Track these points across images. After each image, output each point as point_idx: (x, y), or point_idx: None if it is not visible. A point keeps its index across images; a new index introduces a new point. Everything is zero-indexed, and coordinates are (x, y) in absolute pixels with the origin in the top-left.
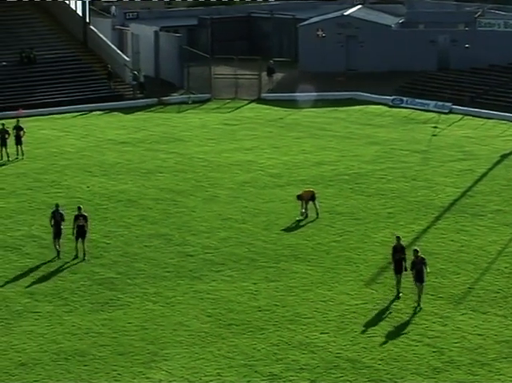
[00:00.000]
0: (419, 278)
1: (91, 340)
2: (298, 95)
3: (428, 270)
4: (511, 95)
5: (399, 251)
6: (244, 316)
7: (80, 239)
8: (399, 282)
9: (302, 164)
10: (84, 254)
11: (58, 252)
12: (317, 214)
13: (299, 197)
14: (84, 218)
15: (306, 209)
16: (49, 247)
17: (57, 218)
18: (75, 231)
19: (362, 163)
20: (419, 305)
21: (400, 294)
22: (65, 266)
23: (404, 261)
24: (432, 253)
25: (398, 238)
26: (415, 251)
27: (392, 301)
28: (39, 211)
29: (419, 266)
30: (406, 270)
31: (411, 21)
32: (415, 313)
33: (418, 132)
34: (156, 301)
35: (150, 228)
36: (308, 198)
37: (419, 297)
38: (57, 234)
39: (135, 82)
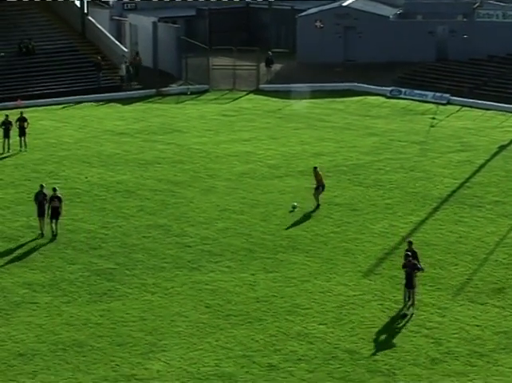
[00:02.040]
0: (408, 283)
1: (89, 331)
2: (296, 86)
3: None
4: (510, 86)
5: (411, 256)
6: (242, 307)
7: (53, 220)
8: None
9: (300, 155)
10: (56, 235)
11: (41, 232)
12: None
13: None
14: (59, 199)
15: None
16: (47, 238)
17: (39, 198)
18: (49, 212)
19: (360, 155)
20: (408, 312)
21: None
22: (64, 256)
23: (417, 264)
24: (430, 244)
25: (410, 243)
26: (406, 255)
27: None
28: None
29: (408, 269)
30: (423, 270)
31: (409, 12)
32: (407, 320)
33: (416, 123)
34: (155, 291)
35: (148, 219)
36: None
37: (407, 302)
38: (41, 213)
39: (126, 74)
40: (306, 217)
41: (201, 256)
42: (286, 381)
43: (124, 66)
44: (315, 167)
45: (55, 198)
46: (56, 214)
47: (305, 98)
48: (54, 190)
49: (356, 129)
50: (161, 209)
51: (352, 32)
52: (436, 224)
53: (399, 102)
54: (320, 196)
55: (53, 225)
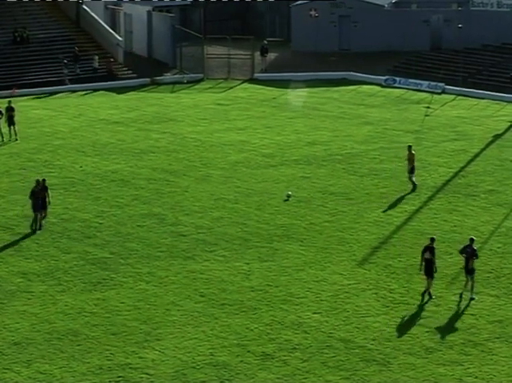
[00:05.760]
0: (426, 270)
1: (84, 319)
2: (291, 75)
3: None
4: (504, 75)
5: (428, 251)
6: (237, 296)
7: (43, 211)
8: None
9: (295, 144)
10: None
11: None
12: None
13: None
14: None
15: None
16: (42, 227)
17: (37, 193)
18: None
19: (355, 144)
20: (430, 296)
21: (433, 297)
22: (58, 245)
23: (433, 263)
24: (425, 233)
25: (432, 239)
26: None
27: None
28: None
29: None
30: (436, 271)
31: (403, 1)
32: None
33: (411, 113)
34: (149, 281)
35: (143, 208)
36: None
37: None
38: (40, 207)
39: (66, 71)
40: (300, 206)
41: (196, 245)
42: (281, 369)
43: (96, 58)
44: (409, 146)
45: (44, 188)
46: (45, 204)
47: (300, 87)
48: (44, 181)
49: (350, 118)
50: (156, 198)
51: (347, 21)
52: (431, 213)
53: (394, 91)
54: (414, 178)
55: (42, 216)
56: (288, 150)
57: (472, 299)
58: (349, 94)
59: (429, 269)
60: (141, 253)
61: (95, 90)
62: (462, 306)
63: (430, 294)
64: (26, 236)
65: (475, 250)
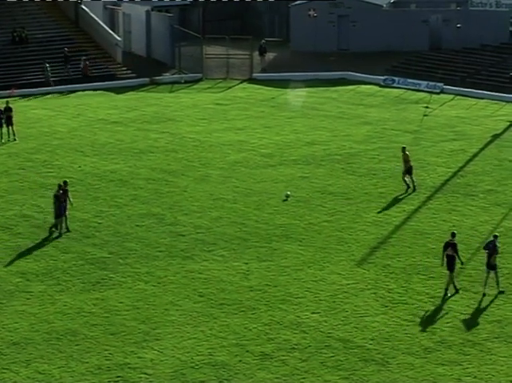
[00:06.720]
0: (448, 265)
1: (83, 319)
2: (290, 75)
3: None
4: (503, 75)
5: (450, 247)
6: (236, 296)
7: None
8: (451, 280)
9: (294, 144)
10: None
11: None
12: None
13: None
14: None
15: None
16: (41, 227)
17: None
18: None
19: (354, 143)
20: (456, 290)
21: (459, 290)
22: (57, 245)
23: (457, 257)
24: (424, 233)
25: (453, 234)
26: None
27: (448, 297)
28: (31, 190)
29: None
30: (462, 263)
31: (402, 1)
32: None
33: (409, 112)
34: (148, 280)
35: (141, 208)
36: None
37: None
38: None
39: (46, 72)
40: (299, 206)
41: (194, 245)
42: (280, 369)
43: (83, 59)
44: (403, 147)
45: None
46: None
47: (299, 87)
48: (66, 183)
49: (349, 118)
50: (154, 198)
51: (346, 21)
52: (429, 213)
53: (393, 91)
54: (414, 178)
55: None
56: (287, 150)
57: (502, 293)
58: (348, 94)
59: (451, 264)
60: (140, 253)
61: (94, 90)
62: (465, 306)
63: (455, 288)
64: (25, 236)
65: (495, 246)
